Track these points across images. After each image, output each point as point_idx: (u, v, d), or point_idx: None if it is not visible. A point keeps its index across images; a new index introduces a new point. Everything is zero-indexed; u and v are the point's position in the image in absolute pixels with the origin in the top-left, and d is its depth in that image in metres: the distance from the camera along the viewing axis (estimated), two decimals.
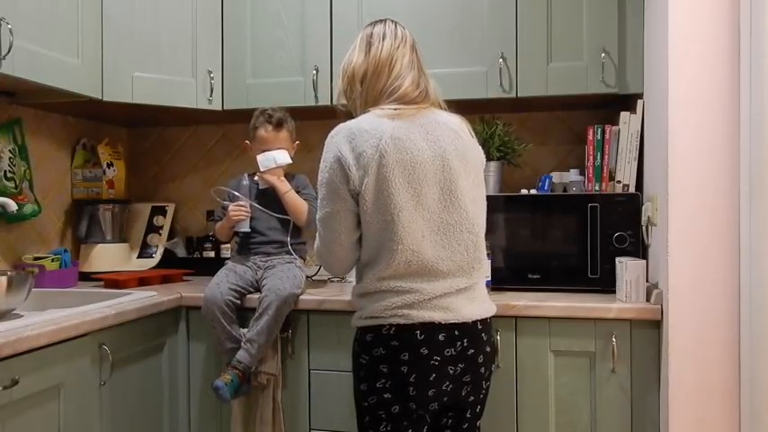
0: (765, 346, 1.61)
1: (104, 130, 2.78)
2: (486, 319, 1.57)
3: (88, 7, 2.18)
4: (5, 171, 2.21)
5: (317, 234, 1.60)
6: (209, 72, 2.44)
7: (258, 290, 2.12)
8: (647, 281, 1.97)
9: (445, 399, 1.52)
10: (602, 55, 2.17)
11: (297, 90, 2.39)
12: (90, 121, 2.70)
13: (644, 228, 2.07)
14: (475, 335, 1.53)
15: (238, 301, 2.07)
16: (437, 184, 1.51)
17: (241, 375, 1.97)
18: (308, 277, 2.19)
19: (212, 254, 2.72)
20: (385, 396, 1.50)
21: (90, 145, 2.67)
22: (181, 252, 2.78)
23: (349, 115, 1.64)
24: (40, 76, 1.97)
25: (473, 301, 1.55)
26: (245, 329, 2.03)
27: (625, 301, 1.93)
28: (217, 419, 2.16)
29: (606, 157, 2.22)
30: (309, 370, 2.09)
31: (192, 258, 2.76)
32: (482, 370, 1.56)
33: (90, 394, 1.75)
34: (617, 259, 2.02)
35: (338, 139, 1.52)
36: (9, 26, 1.82)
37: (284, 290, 2.01)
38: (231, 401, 2.00)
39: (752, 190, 1.67)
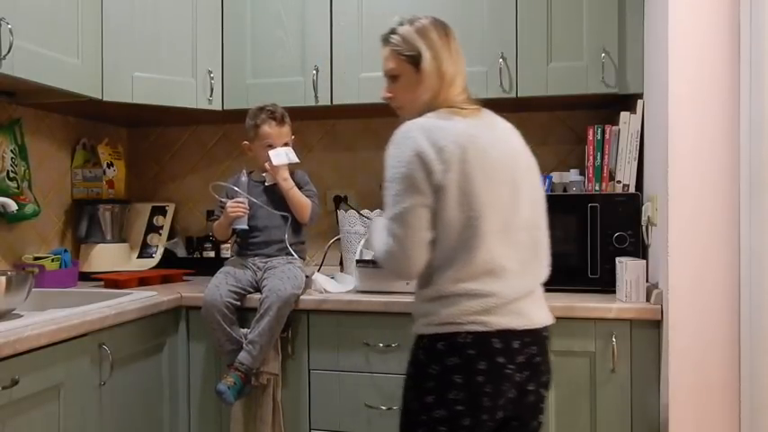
0: (765, 345, 1.61)
1: (104, 130, 2.78)
2: (549, 326, 1.54)
3: (88, 7, 2.18)
4: (8, 171, 2.21)
5: (389, 234, 1.47)
6: (209, 72, 2.44)
7: (258, 290, 2.12)
8: (647, 281, 1.96)
9: (510, 407, 1.47)
10: (602, 55, 2.17)
11: (297, 90, 2.39)
12: (90, 121, 2.70)
13: (644, 228, 2.07)
14: (542, 342, 1.50)
15: (238, 303, 2.07)
16: (507, 183, 1.48)
17: (243, 377, 1.97)
18: (307, 277, 2.19)
19: (212, 254, 2.72)
20: (457, 408, 1.41)
21: (90, 145, 2.67)
22: (181, 252, 2.78)
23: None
24: (39, 76, 1.97)
25: (538, 305, 1.51)
26: (246, 330, 2.03)
27: (625, 301, 1.93)
28: (217, 419, 2.15)
29: (606, 157, 2.22)
30: (309, 370, 2.09)
31: (192, 258, 2.76)
32: (544, 379, 1.52)
33: (90, 394, 1.75)
34: (617, 259, 2.02)
35: (414, 134, 1.45)
36: (9, 26, 1.82)
37: (285, 290, 2.01)
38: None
39: (752, 189, 1.67)
